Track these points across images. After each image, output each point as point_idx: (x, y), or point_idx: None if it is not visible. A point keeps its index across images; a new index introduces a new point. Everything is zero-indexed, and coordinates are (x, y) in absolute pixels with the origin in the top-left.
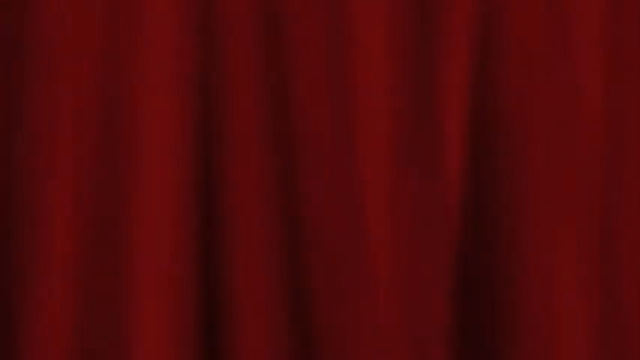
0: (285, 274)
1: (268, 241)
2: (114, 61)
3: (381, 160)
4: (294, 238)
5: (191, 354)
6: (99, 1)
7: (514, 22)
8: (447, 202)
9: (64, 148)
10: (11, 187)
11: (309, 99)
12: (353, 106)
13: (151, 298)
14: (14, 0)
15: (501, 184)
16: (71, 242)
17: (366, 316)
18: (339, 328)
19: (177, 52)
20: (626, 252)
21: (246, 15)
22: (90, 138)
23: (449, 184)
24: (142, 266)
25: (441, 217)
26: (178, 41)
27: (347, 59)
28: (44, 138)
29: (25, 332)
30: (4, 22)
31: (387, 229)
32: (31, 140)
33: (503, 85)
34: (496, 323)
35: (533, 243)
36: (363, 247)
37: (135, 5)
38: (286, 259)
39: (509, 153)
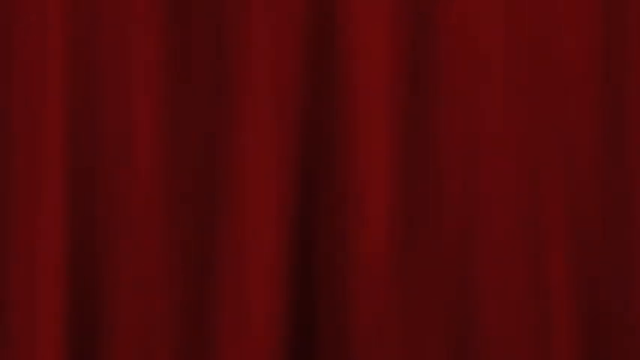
0: (287, 273)
1: (273, 241)
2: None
3: (380, 158)
4: (299, 238)
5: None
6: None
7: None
8: (446, 199)
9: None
10: None
11: (313, 98)
12: (353, 105)
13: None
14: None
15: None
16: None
17: (367, 316)
18: (341, 328)
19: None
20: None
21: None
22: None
23: (447, 181)
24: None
25: (439, 215)
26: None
27: (348, 59)
28: None
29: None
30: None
31: (388, 226)
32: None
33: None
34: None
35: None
36: (363, 246)
37: None
38: (290, 258)
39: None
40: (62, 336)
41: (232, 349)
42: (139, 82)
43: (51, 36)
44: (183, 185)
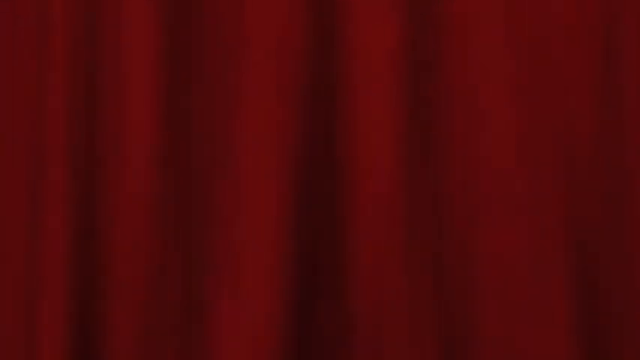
0: (287, 273)
1: (273, 240)
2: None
3: (381, 157)
4: (298, 238)
5: None
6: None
7: None
8: (447, 197)
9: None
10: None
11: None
12: (353, 104)
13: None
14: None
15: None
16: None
17: (367, 316)
18: (341, 327)
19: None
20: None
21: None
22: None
23: (448, 179)
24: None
25: (440, 214)
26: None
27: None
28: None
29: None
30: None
31: (389, 225)
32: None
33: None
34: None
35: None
36: (363, 244)
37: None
38: (289, 258)
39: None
40: (64, 336)
41: (231, 348)
42: (138, 81)
43: (51, 35)
44: (182, 185)
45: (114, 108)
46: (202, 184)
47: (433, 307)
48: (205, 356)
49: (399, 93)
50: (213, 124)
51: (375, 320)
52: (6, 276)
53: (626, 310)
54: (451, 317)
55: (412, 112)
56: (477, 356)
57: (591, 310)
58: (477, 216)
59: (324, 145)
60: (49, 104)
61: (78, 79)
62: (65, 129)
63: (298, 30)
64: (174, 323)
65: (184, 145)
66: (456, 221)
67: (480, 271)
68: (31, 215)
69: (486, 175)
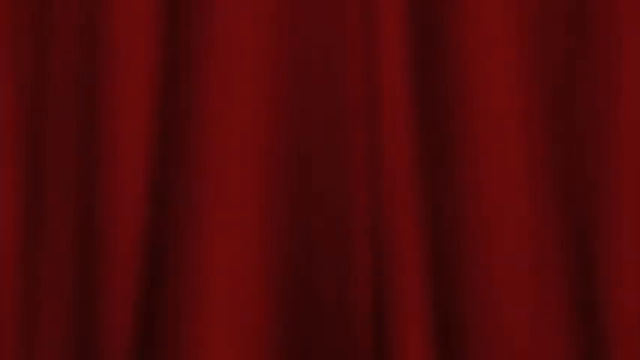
0: (282, 275)
1: (267, 240)
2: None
3: (384, 153)
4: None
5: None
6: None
7: None
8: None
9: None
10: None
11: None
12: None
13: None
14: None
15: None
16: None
17: (364, 316)
18: (339, 328)
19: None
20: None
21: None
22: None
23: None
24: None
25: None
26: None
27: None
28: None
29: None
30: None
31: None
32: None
33: None
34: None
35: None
36: (363, 248)
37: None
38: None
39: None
40: (65, 336)
41: (229, 345)
42: (136, 82)
43: (52, 36)
44: (180, 184)
45: (112, 108)
46: (200, 184)
47: (433, 307)
48: (202, 357)
49: (399, 92)
50: (210, 123)
51: (375, 320)
52: (6, 276)
53: (624, 309)
54: (450, 316)
55: (414, 111)
56: (476, 355)
57: (590, 309)
58: (478, 217)
59: (324, 145)
60: (49, 105)
61: (78, 80)
62: (65, 129)
63: (294, 31)
64: (172, 323)
65: (181, 144)
66: (456, 221)
67: (480, 271)
68: (32, 215)
69: (488, 176)
